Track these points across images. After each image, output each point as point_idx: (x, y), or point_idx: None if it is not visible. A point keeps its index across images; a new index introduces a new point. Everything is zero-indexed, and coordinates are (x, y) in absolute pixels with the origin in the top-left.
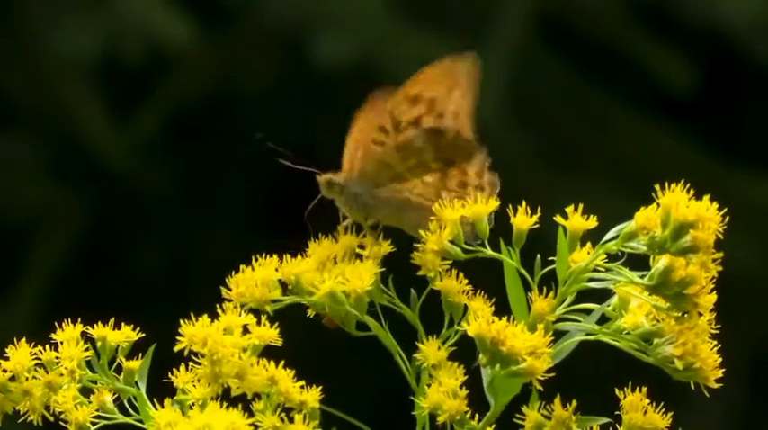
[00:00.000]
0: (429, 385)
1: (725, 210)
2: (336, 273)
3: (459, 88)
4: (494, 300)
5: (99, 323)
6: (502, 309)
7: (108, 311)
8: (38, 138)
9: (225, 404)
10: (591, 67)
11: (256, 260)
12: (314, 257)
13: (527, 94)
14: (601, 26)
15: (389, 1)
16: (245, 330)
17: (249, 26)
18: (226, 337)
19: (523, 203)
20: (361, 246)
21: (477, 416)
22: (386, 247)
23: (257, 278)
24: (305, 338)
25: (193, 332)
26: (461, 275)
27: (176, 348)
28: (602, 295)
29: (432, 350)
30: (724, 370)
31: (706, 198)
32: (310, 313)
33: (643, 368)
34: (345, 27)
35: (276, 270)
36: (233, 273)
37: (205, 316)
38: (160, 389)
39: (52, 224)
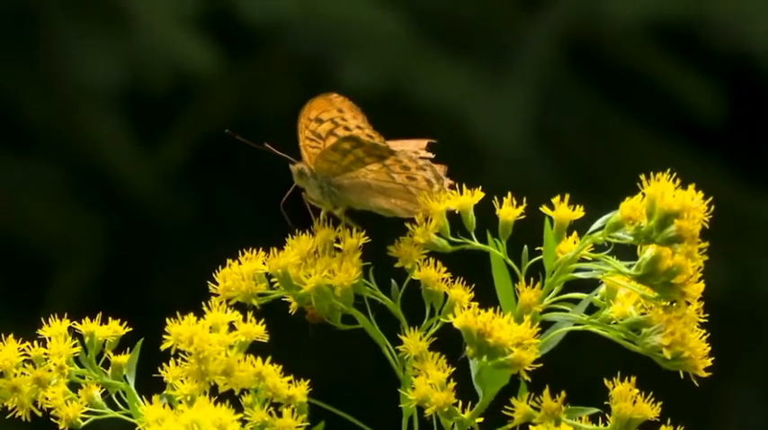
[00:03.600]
0: (416, 376)
1: (751, 234)
2: (322, 267)
3: (345, 112)
4: (473, 285)
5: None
6: (488, 301)
7: (128, 336)
8: (62, 164)
9: (214, 399)
10: (616, 92)
11: (243, 254)
12: (295, 251)
13: (552, 120)
14: (627, 52)
15: (414, 28)
16: (232, 327)
17: (274, 53)
18: (212, 335)
19: (509, 194)
20: (338, 240)
21: (460, 406)
22: (361, 238)
23: (244, 272)
24: (292, 333)
25: (179, 330)
26: (440, 264)
27: (163, 347)
28: (590, 286)
29: (413, 341)
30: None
31: (691, 187)
32: (292, 309)
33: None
34: (370, 53)
35: (264, 263)
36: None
37: (191, 314)
38: (150, 384)
39: (75, 250)
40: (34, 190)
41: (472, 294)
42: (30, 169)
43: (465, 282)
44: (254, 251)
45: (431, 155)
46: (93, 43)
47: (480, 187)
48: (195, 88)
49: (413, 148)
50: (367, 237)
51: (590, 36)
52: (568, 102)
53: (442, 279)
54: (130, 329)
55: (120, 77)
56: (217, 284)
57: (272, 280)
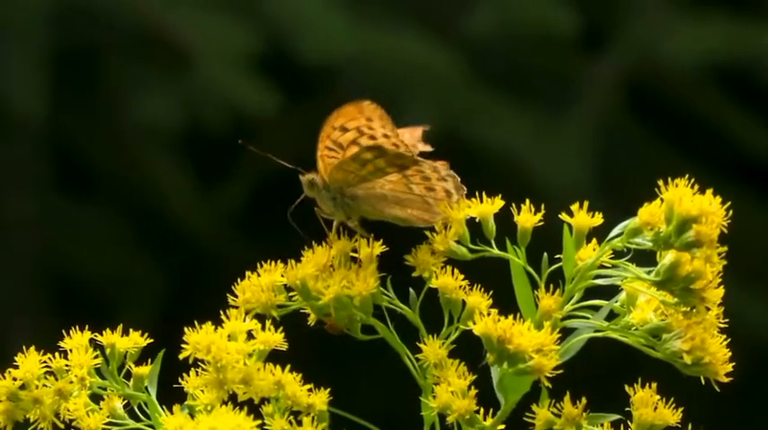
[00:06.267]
0: (436, 384)
1: None
2: (339, 277)
3: (374, 120)
4: (491, 292)
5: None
6: (507, 308)
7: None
8: (122, 207)
9: (235, 408)
10: (676, 135)
11: (261, 266)
12: (311, 264)
13: (611, 162)
14: (686, 94)
15: (473, 70)
16: (250, 336)
17: (333, 96)
18: (230, 344)
19: (527, 202)
20: (355, 250)
21: (482, 413)
22: (378, 248)
23: (263, 283)
24: (311, 340)
25: (197, 339)
26: (457, 271)
27: (181, 356)
28: (611, 292)
29: (432, 349)
30: None
31: (709, 192)
32: (311, 320)
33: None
34: (428, 96)
35: (282, 275)
36: None
37: (209, 323)
38: (173, 395)
39: (136, 293)
40: (95, 232)
41: (490, 301)
42: (90, 211)
43: (483, 290)
44: (273, 263)
45: (429, 148)
46: (153, 85)
47: (541, 229)
48: (254, 130)
49: (408, 140)
50: (384, 247)
51: (650, 79)
52: (628, 144)
53: (460, 286)
54: (151, 340)
55: (179, 119)
56: (236, 297)
57: (291, 293)
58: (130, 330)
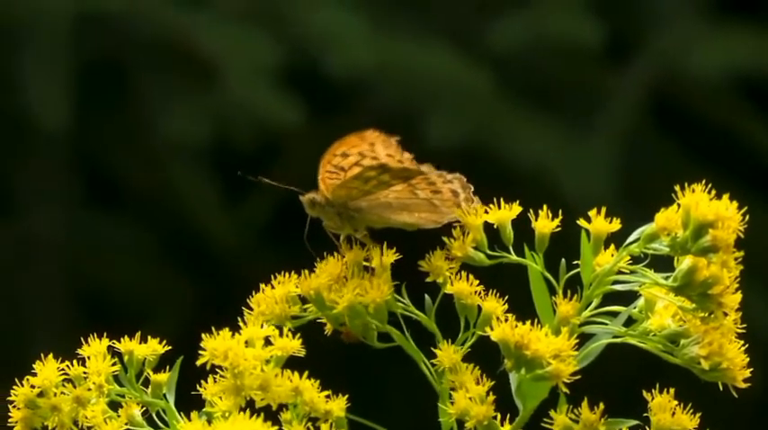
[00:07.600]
0: (452, 389)
1: None
2: (353, 286)
3: (376, 144)
4: (506, 297)
5: None
6: (524, 314)
7: None
8: (148, 221)
9: (253, 415)
10: (701, 147)
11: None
12: (325, 274)
13: (637, 174)
14: (711, 106)
15: (500, 84)
16: (268, 342)
17: (359, 109)
18: (247, 350)
19: (544, 207)
20: (368, 259)
21: (501, 418)
22: (391, 256)
23: (277, 295)
24: (328, 347)
25: (215, 345)
26: (472, 277)
27: (198, 362)
28: (629, 297)
29: (447, 354)
30: None
31: (725, 197)
32: (328, 330)
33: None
34: (454, 109)
35: (296, 286)
36: None
37: (226, 329)
38: (191, 402)
39: (163, 306)
40: (122, 246)
41: (506, 306)
42: (117, 225)
43: (498, 295)
44: (287, 275)
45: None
46: (180, 99)
47: (566, 240)
48: (281, 144)
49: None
50: (397, 255)
51: (674, 90)
52: (653, 155)
53: (476, 292)
54: (170, 348)
55: (206, 133)
56: (251, 310)
57: (305, 305)
58: (149, 337)
